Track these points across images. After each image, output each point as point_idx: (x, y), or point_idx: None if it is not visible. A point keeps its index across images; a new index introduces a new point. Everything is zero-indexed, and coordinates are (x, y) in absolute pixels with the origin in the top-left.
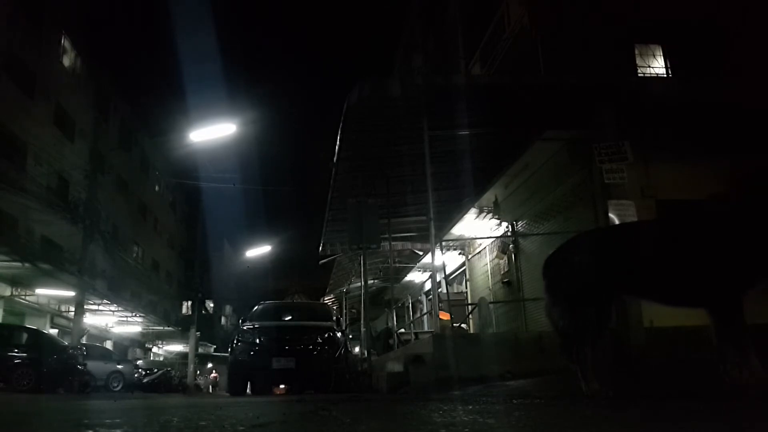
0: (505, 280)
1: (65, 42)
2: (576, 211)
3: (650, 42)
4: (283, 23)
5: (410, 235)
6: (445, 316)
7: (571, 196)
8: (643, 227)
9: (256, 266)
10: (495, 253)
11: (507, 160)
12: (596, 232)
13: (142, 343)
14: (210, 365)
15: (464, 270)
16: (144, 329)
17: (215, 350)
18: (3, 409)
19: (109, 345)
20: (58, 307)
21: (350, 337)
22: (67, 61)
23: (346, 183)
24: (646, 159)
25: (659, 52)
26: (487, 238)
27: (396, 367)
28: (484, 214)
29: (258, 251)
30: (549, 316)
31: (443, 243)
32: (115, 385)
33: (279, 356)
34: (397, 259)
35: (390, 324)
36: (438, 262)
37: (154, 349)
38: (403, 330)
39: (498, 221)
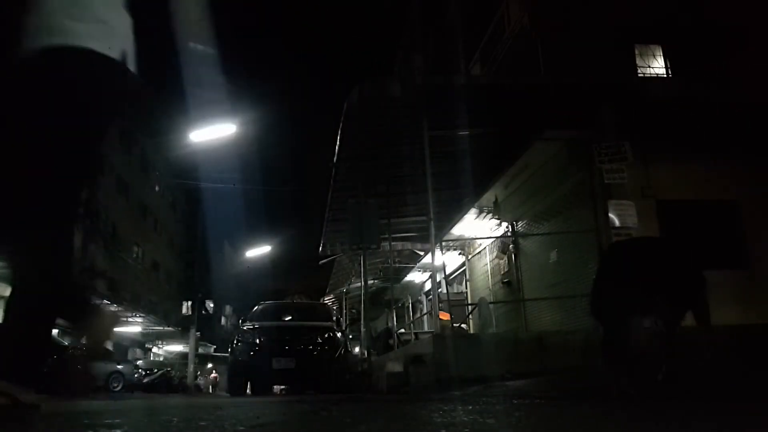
0: (505, 280)
1: None
2: (576, 212)
3: (650, 42)
4: (283, 23)
5: (410, 235)
6: (445, 316)
7: (571, 196)
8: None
9: (256, 266)
10: (495, 253)
11: (507, 161)
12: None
13: (142, 343)
14: (210, 365)
15: (464, 270)
16: (144, 329)
17: (215, 350)
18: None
19: (108, 345)
20: None
21: (350, 337)
22: None
23: (346, 183)
24: (646, 159)
25: (659, 53)
26: (487, 238)
27: (396, 367)
28: (484, 214)
29: (258, 251)
30: (597, 315)
31: (443, 243)
32: (115, 385)
33: (279, 356)
34: (397, 259)
35: (390, 324)
36: (438, 263)
37: (154, 350)
38: (403, 330)
39: (498, 221)
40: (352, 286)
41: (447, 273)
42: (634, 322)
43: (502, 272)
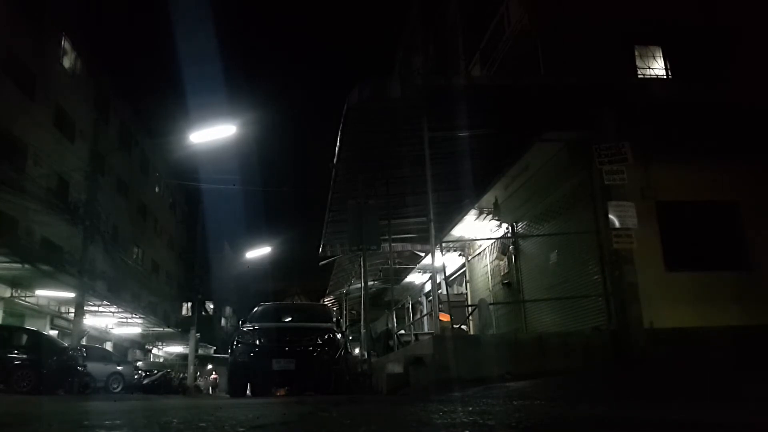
0: (505, 282)
1: (65, 43)
2: (576, 213)
3: (650, 43)
4: (283, 24)
5: (410, 237)
6: (445, 317)
7: (571, 197)
8: None
9: (256, 267)
10: (495, 255)
11: (507, 162)
12: None
13: (142, 344)
14: (210, 366)
15: (464, 271)
16: (144, 330)
17: (215, 352)
18: (3, 410)
19: (109, 346)
20: (58, 309)
21: (350, 338)
22: (67, 62)
23: (346, 184)
24: (646, 160)
25: (659, 54)
26: (487, 239)
27: (396, 368)
28: (484, 215)
29: (258, 252)
30: None
31: (443, 244)
32: (115, 386)
33: (279, 357)
34: (397, 261)
35: (390, 325)
36: (438, 264)
37: (154, 351)
38: (403, 331)
39: (498, 222)
40: (352, 287)
41: (447, 274)
42: None
43: (502, 273)
